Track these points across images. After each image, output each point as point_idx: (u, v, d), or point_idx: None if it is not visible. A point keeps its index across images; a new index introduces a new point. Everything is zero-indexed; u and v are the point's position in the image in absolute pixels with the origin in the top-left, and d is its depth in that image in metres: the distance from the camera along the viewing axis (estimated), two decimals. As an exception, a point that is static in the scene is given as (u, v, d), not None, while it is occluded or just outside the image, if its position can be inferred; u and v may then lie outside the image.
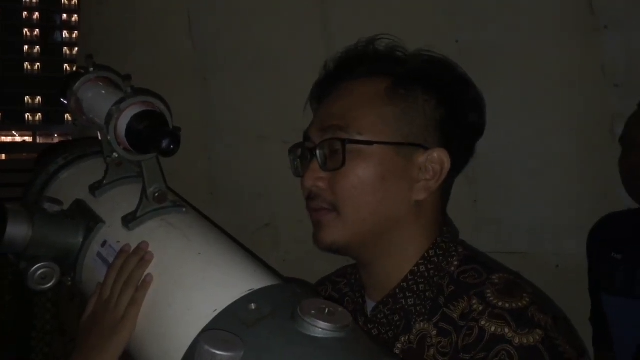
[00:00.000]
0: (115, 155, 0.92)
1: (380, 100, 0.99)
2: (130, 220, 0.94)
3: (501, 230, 1.94)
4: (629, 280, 1.63)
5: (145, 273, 0.88)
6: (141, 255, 0.90)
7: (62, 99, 1.00)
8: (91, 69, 0.98)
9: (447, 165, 0.99)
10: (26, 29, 66.78)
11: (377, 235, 0.98)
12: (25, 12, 66.87)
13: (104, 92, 0.95)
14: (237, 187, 2.28)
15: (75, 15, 63.83)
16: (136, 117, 0.87)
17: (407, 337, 0.97)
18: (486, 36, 1.89)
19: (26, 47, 66.42)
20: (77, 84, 0.98)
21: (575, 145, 1.86)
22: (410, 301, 0.98)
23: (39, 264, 0.95)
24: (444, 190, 1.04)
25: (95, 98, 0.95)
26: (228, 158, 2.27)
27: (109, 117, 0.88)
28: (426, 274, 0.99)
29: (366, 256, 1.02)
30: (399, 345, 0.97)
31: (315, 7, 2.08)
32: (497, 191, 1.96)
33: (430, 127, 1.00)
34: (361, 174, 0.96)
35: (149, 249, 0.91)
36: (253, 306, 0.74)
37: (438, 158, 0.99)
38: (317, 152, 0.99)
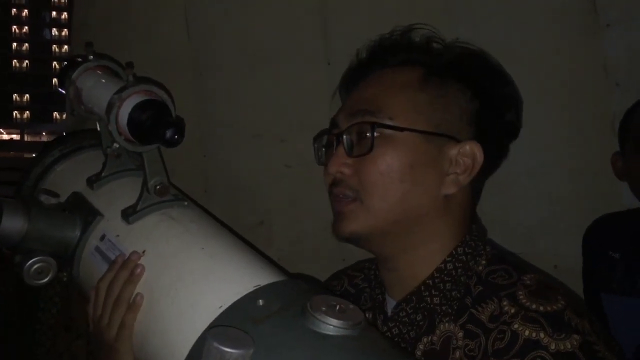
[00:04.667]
0: (115, 146, 0.89)
1: (413, 87, 0.96)
2: (130, 214, 0.91)
3: (499, 229, 1.92)
4: (627, 279, 1.62)
5: (146, 269, 0.86)
6: (131, 269, 0.86)
7: (60, 88, 0.97)
8: (90, 57, 0.95)
9: (480, 159, 0.94)
10: (15, 26, 66.27)
11: (401, 227, 0.94)
12: (14, 9, 66.37)
13: (103, 80, 0.92)
14: (232, 185, 2.25)
15: (65, 13, 63.50)
16: (138, 107, 0.83)
17: (429, 338, 0.92)
18: (486, 34, 1.87)
19: (14, 44, 65.90)
20: (75, 73, 0.94)
21: (575, 144, 1.85)
22: (436, 300, 0.93)
23: (35, 258, 0.92)
24: (475, 188, 0.99)
25: (95, 87, 0.92)
26: (223, 156, 2.24)
27: (110, 106, 0.85)
28: (453, 273, 0.94)
29: (388, 250, 0.97)
30: (420, 346, 0.92)
31: (314, 5, 2.06)
32: (495, 191, 1.93)
33: (465, 119, 0.96)
34: (390, 160, 0.92)
35: (148, 249, 0.87)
36: (261, 302, 0.72)
37: (470, 151, 0.94)
38: (344, 136, 0.95)
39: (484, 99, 0.97)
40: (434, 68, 0.97)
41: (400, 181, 0.92)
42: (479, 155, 0.94)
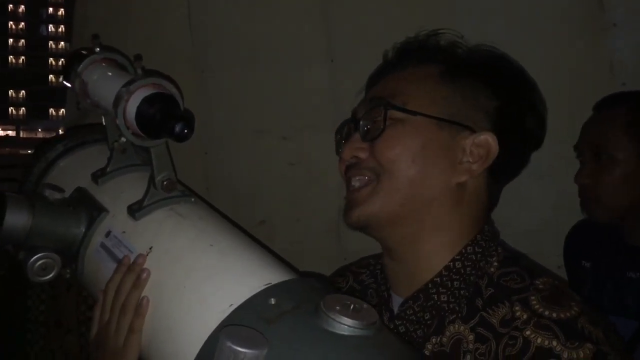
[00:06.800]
0: (123, 140, 0.86)
1: (431, 79, 0.98)
2: (136, 210, 0.89)
3: (503, 230, 1.91)
4: (594, 292, 1.57)
5: (153, 266, 0.84)
6: (137, 273, 0.85)
7: (65, 82, 0.95)
8: (97, 50, 0.93)
9: (495, 150, 0.94)
10: (11, 22, 65.97)
11: (409, 210, 0.94)
12: (11, 5, 66.06)
13: (110, 73, 0.90)
14: (233, 183, 2.24)
15: (62, 9, 63.25)
16: (146, 100, 0.81)
17: (438, 339, 0.91)
18: (491, 33, 1.83)
19: (11, 40, 65.60)
20: (82, 65, 0.92)
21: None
22: (444, 297, 0.93)
23: (39, 254, 0.90)
24: (491, 190, 0.99)
25: (102, 80, 0.90)
26: (225, 154, 2.23)
27: (118, 99, 0.83)
28: (462, 271, 0.94)
29: (396, 237, 0.96)
30: (429, 346, 0.92)
31: (315, 3, 2.05)
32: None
33: (482, 113, 0.96)
34: (402, 141, 0.94)
35: (154, 246, 0.86)
36: (273, 301, 0.70)
37: (485, 141, 0.95)
38: (360, 122, 0.97)
39: (503, 98, 0.97)
40: (454, 65, 0.99)
41: (411, 163, 0.93)
42: (494, 147, 0.95)
